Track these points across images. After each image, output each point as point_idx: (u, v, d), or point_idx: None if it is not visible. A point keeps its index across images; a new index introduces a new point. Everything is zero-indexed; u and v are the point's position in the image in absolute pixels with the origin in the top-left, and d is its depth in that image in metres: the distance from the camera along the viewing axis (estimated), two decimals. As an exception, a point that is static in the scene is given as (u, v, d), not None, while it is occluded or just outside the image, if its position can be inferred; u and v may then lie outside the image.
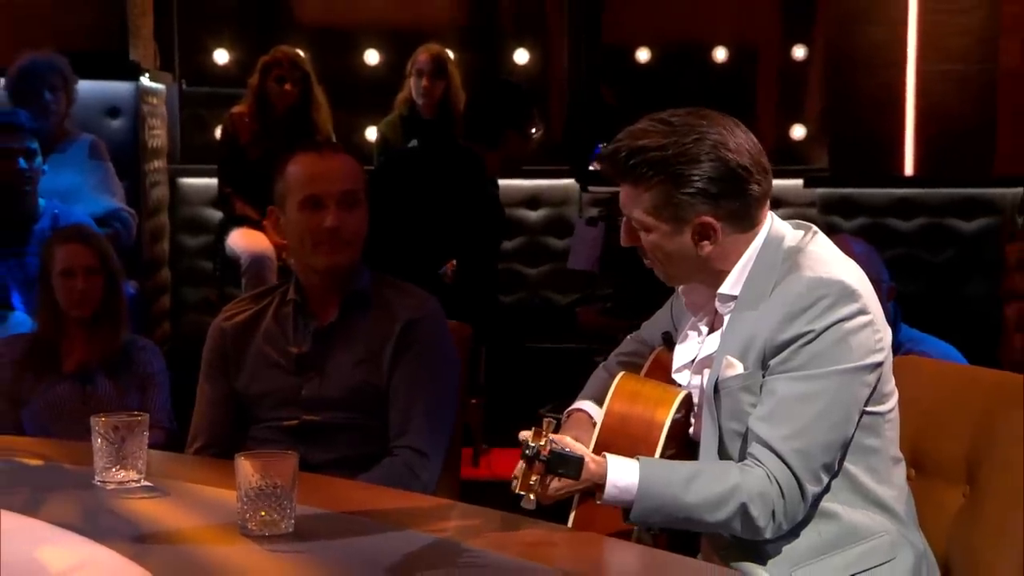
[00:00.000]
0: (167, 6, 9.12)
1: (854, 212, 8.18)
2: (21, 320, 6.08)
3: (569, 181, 8.66)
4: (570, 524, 3.12)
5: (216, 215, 8.45)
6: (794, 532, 2.99)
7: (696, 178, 3.03)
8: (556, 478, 2.91)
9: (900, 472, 3.09)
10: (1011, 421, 3.02)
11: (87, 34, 8.29)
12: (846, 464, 3.00)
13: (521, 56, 9.51)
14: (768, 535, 2.95)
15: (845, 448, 2.99)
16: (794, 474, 2.93)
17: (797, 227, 3.15)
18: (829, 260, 3.06)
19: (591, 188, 6.59)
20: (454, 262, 5.92)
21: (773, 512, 2.93)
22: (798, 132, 9.26)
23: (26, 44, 7.55)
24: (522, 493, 2.85)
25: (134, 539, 2.84)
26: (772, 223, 3.13)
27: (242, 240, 7.71)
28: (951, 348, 4.54)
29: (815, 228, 3.15)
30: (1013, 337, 8.16)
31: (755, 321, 3.02)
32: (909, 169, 8.62)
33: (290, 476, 2.89)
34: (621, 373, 3.24)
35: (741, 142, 3.08)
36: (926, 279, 8.05)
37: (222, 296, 8.13)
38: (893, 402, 3.06)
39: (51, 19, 8.23)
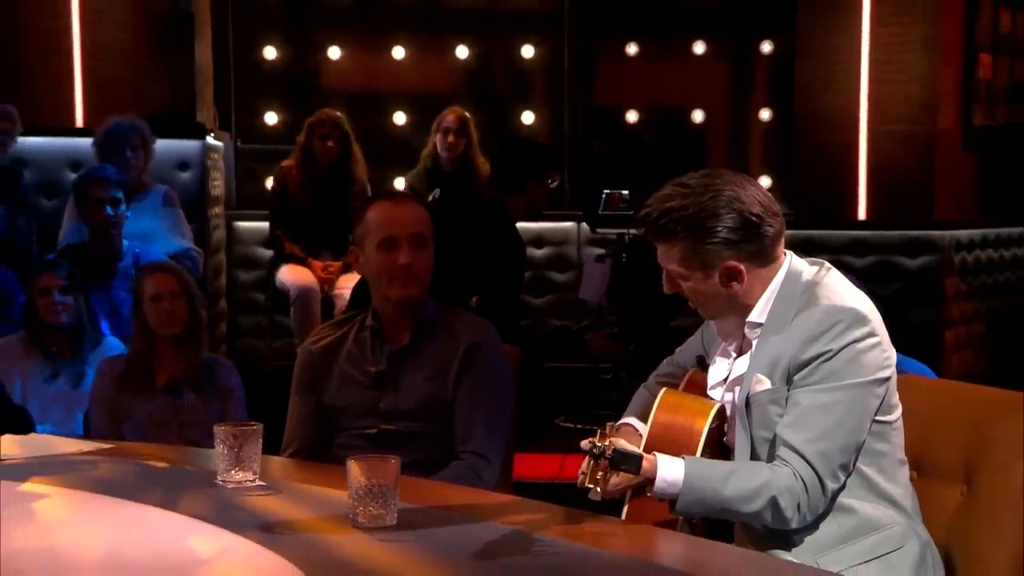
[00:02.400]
0: (225, 76, 9.15)
1: (814, 251, 8.05)
2: (114, 344, 6.09)
3: (569, 224, 8.72)
4: (623, 517, 3.15)
5: (266, 253, 8.46)
6: (816, 524, 3.01)
7: (718, 229, 3.04)
8: (617, 473, 2.93)
9: (905, 472, 3.10)
10: (1005, 430, 3.03)
11: (163, 100, 8.35)
12: (860, 465, 3.02)
13: (528, 117, 9.54)
14: (794, 525, 2.97)
15: (859, 451, 3.00)
16: (816, 472, 2.95)
17: (812, 264, 3.18)
18: (842, 291, 3.10)
19: (599, 230, 6.60)
20: (475, 299, 5.94)
21: (799, 505, 2.95)
22: (764, 182, 9.28)
23: (113, 109, 7.63)
24: (590, 487, 2.88)
25: (261, 529, 2.85)
26: (791, 261, 3.15)
27: (290, 275, 7.74)
28: (925, 367, 4.56)
29: (828, 264, 3.19)
30: (951, 359, 8.21)
31: (780, 344, 3.04)
32: (862, 214, 8.67)
33: (393, 477, 2.92)
34: (664, 389, 3.25)
35: (752, 192, 3.09)
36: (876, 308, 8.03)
37: (272, 323, 8.16)
38: (898, 412, 3.08)
39: (133, 88, 8.30)
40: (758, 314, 3.12)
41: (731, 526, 3.15)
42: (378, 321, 3.95)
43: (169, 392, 5.23)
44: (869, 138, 8.58)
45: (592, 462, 2.86)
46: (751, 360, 3.12)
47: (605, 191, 6.46)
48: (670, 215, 3.07)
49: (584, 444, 2.94)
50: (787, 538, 3.02)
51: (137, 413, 5.17)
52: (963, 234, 8.39)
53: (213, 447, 3.29)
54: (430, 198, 7.60)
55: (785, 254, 3.16)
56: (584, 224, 8.52)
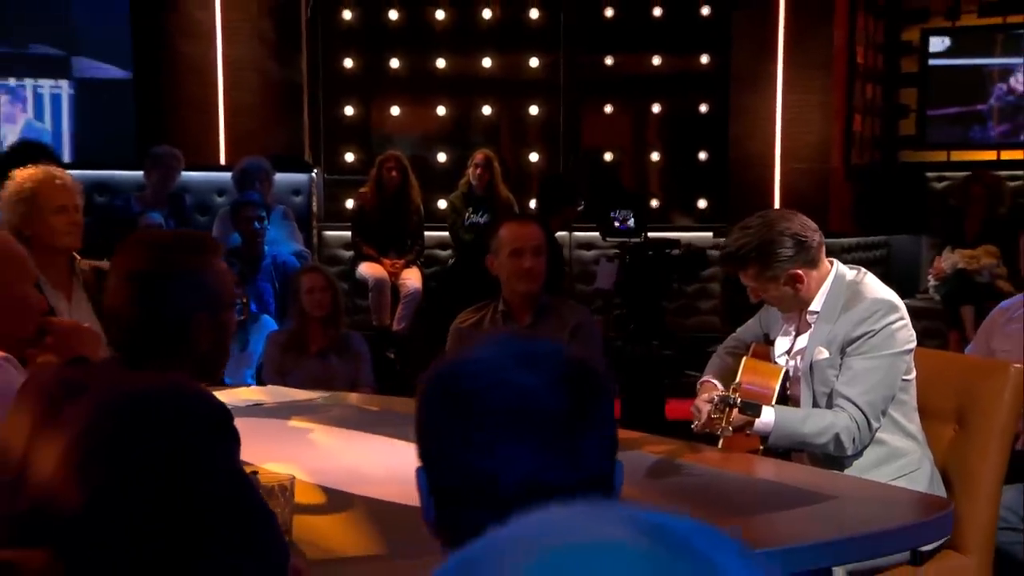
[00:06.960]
0: (316, 126, 9.10)
1: (743, 254, 8.19)
2: (268, 321, 6.07)
3: (563, 232, 8.64)
4: (719, 446, 3.16)
5: (345, 254, 8.40)
6: (861, 452, 3.04)
7: (778, 252, 3.06)
8: (737, 417, 2.94)
9: (917, 415, 3.13)
10: (988, 387, 3.07)
11: (281, 145, 8.32)
12: (890, 410, 3.06)
13: (533, 157, 9.54)
14: (849, 453, 3.01)
15: (891, 400, 3.06)
16: (866, 416, 2.99)
17: (852, 268, 3.20)
18: (878, 288, 3.12)
19: (609, 239, 6.60)
20: None
21: (854, 439, 2.99)
22: (702, 203, 9.32)
23: (246, 152, 7.61)
24: (723, 425, 2.90)
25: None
26: (837, 268, 3.17)
27: (368, 269, 7.72)
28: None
29: (864, 269, 3.22)
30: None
31: (833, 325, 3.08)
32: (776, 228, 8.72)
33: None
34: (745, 358, 3.26)
35: (793, 220, 3.11)
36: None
37: (353, 304, 8.11)
38: (914, 373, 3.11)
39: (261, 136, 8.24)
40: (815, 305, 3.14)
41: (789, 454, 3.19)
42: (507, 307, 3.96)
43: (319, 357, 5.23)
44: (781, 173, 8.67)
45: (727, 408, 2.88)
46: (811, 337, 3.14)
47: (612, 211, 6.46)
48: (741, 251, 3.08)
49: (714, 395, 2.96)
50: (839, 462, 3.05)
51: (297, 371, 5.16)
52: (846, 241, 8.44)
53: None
54: (481, 221, 7.67)
55: (831, 263, 3.19)
56: (574, 233, 8.52)
